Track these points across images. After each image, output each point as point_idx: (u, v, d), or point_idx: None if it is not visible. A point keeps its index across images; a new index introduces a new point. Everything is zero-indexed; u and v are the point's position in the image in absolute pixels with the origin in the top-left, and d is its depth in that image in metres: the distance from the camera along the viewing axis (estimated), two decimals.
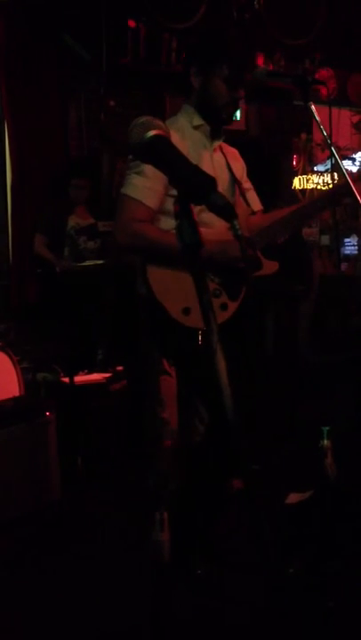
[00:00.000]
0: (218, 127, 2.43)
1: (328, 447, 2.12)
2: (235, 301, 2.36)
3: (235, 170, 2.51)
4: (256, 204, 2.61)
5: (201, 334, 2.16)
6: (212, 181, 1.16)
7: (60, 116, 5.12)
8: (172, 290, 2.21)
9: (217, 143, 2.46)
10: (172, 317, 2.23)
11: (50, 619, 2.36)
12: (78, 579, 2.62)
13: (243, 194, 2.52)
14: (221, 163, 2.47)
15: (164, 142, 1.24)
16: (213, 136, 2.43)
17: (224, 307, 2.33)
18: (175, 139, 2.30)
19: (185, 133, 2.36)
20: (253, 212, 2.54)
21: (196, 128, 2.39)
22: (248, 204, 2.51)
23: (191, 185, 1.15)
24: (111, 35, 5.09)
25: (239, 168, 2.57)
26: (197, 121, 2.39)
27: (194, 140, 2.37)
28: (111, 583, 2.55)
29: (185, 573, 2.39)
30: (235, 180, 2.50)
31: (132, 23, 5.17)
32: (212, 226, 2.17)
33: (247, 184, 2.60)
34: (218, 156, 2.47)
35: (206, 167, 2.35)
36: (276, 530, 2.43)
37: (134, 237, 2.27)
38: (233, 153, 2.57)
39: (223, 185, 2.46)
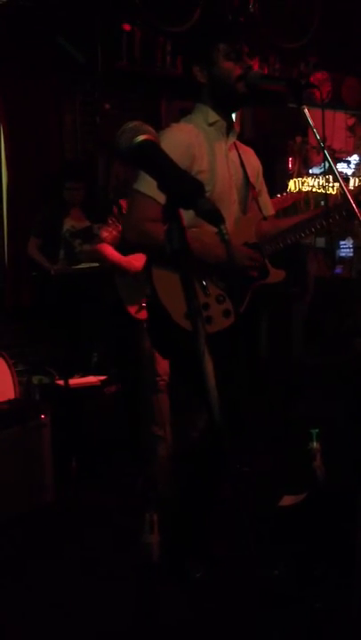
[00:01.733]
0: (231, 117, 2.41)
1: (317, 449, 2.12)
2: (238, 308, 2.35)
3: (248, 170, 2.49)
4: (268, 208, 2.58)
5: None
6: (199, 186, 1.17)
7: (55, 118, 5.13)
8: (176, 292, 2.19)
9: (232, 140, 2.45)
10: (174, 320, 2.23)
11: (43, 619, 2.36)
12: (71, 580, 2.62)
13: (255, 197, 2.49)
14: (236, 161, 2.46)
15: (152, 147, 1.25)
16: (228, 132, 2.43)
17: (227, 313, 2.31)
18: (193, 134, 2.31)
19: (201, 131, 2.35)
20: (265, 218, 2.51)
21: (211, 125, 2.38)
22: (260, 209, 2.49)
23: (179, 190, 1.16)
24: (106, 38, 5.10)
25: (254, 168, 2.55)
26: (213, 117, 2.38)
27: (209, 137, 2.37)
28: (104, 584, 2.55)
29: (180, 576, 2.40)
30: (248, 181, 2.48)
31: (127, 27, 5.17)
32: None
33: (261, 186, 2.57)
34: (233, 154, 2.46)
35: (221, 165, 2.37)
36: (264, 532, 2.44)
37: (145, 237, 2.23)
38: (248, 152, 2.56)
39: (237, 184, 2.45)
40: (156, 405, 3.35)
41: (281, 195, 2.89)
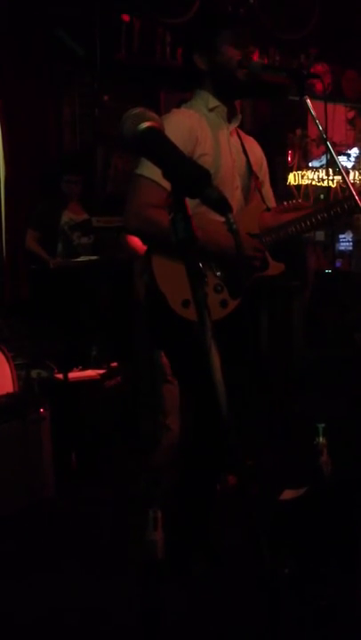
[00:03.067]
0: (234, 103, 2.38)
1: (323, 445, 2.10)
2: (235, 299, 2.32)
3: (252, 158, 2.45)
4: (271, 199, 2.54)
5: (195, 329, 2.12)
6: (206, 175, 1.14)
7: (53, 111, 5.09)
8: (175, 281, 2.16)
9: (233, 125, 2.41)
10: (172, 308, 2.20)
11: (43, 614, 2.34)
12: (72, 575, 2.61)
13: (258, 187, 2.46)
14: (238, 147, 2.42)
15: (157, 134, 1.22)
16: (230, 118, 2.39)
17: (224, 303, 2.29)
18: (195, 119, 2.28)
19: (202, 115, 2.32)
20: (268, 209, 2.47)
21: (211, 110, 2.35)
22: (263, 199, 2.45)
23: (185, 178, 1.13)
24: (105, 29, 5.05)
25: (258, 157, 2.51)
26: (213, 102, 2.35)
27: (211, 122, 2.33)
28: (105, 580, 2.54)
29: (181, 572, 2.38)
30: (251, 169, 2.45)
31: (126, 18, 5.14)
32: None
33: (265, 177, 2.53)
34: (234, 140, 2.42)
35: (224, 150, 2.34)
36: (270, 527, 2.42)
37: (147, 224, 2.19)
38: (251, 141, 2.52)
39: (240, 170, 2.41)
40: (166, 394, 3.34)
41: (288, 202, 2.84)
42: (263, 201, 2.45)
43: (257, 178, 2.46)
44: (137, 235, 2.33)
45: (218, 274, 2.30)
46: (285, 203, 2.64)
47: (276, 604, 1.09)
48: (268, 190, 2.55)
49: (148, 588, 1.63)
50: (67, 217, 4.76)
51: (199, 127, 2.28)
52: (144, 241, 2.39)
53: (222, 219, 1.13)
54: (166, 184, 2.14)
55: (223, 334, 1.17)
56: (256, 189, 2.45)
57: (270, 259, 2.40)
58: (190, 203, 1.14)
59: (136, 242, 3.40)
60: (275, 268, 2.42)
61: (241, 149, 2.43)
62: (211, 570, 2.44)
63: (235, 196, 2.38)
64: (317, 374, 4.54)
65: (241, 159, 2.42)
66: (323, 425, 2.08)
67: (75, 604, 2.40)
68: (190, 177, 1.14)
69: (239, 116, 2.43)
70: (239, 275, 2.26)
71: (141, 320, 3.07)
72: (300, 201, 2.86)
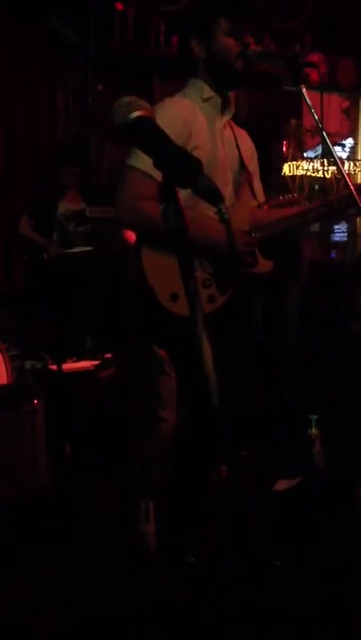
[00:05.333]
0: (228, 94, 2.35)
1: (316, 436, 2.10)
2: (223, 295, 2.30)
3: (243, 152, 2.42)
4: (260, 194, 2.51)
5: (185, 322, 2.11)
6: (197, 164, 1.13)
7: (47, 99, 5.06)
8: (164, 274, 2.15)
9: (227, 118, 2.38)
10: (159, 301, 2.19)
11: (38, 605, 2.35)
12: (65, 565, 2.61)
13: (249, 181, 2.43)
14: (231, 140, 2.39)
15: (148, 123, 1.20)
16: (223, 109, 2.36)
17: (212, 299, 2.27)
18: (189, 109, 2.24)
19: (196, 105, 2.28)
20: (259, 205, 2.45)
21: (205, 101, 2.31)
22: (253, 193, 2.43)
23: (176, 167, 1.12)
24: (99, 17, 5.01)
25: (249, 150, 2.48)
26: (208, 93, 2.31)
27: (205, 113, 2.30)
28: (97, 570, 2.54)
29: (174, 560, 2.38)
30: (243, 163, 2.42)
31: (119, 6, 5.10)
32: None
33: (255, 170, 2.50)
34: (228, 132, 2.39)
35: (216, 143, 2.31)
36: (263, 517, 2.42)
37: (139, 216, 2.16)
38: (242, 134, 2.49)
39: (232, 164, 2.39)
40: (163, 386, 3.34)
41: (282, 197, 2.81)
42: (254, 196, 2.43)
43: (248, 172, 2.44)
44: (128, 227, 2.30)
45: (207, 269, 2.29)
46: (281, 197, 2.63)
47: (269, 595, 1.09)
48: (257, 184, 2.52)
49: (140, 578, 1.63)
50: (63, 207, 4.74)
51: (193, 119, 2.25)
52: (138, 233, 2.37)
53: (213, 213, 1.12)
54: (158, 175, 2.11)
55: (212, 328, 1.16)
56: (247, 183, 2.43)
57: (259, 256, 2.39)
58: (181, 196, 1.13)
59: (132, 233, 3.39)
60: (264, 265, 2.40)
61: (234, 143, 2.40)
62: (203, 560, 2.44)
63: (226, 191, 2.35)
64: (311, 363, 4.54)
65: (233, 152, 2.40)
66: (316, 416, 2.08)
67: (68, 595, 2.40)
68: (181, 166, 1.13)
69: (232, 108, 2.40)
70: (230, 266, 2.24)
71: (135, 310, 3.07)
72: (295, 195, 2.83)
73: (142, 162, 2.09)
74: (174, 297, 2.16)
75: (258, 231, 2.35)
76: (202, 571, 2.39)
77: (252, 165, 2.50)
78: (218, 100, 2.33)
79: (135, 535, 1.63)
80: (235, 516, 1.11)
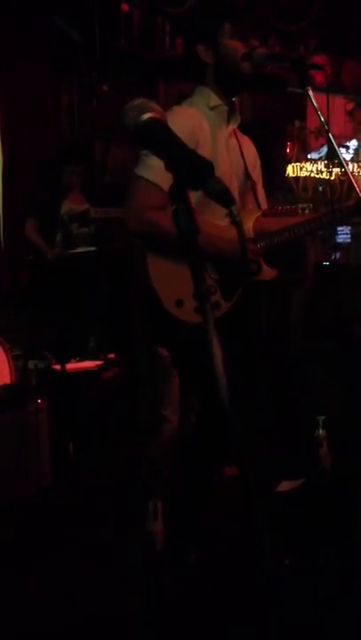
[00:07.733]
0: (234, 102, 2.36)
1: (324, 437, 2.10)
2: (228, 301, 2.32)
3: (248, 160, 2.44)
4: (263, 201, 2.52)
5: (188, 328, 2.12)
6: (209, 166, 1.13)
7: (51, 100, 5.07)
8: (170, 280, 2.16)
9: (233, 126, 2.38)
10: (164, 307, 2.20)
11: (42, 605, 2.35)
12: (70, 565, 2.61)
13: (253, 189, 2.44)
14: (236, 149, 2.40)
15: (159, 125, 1.21)
16: (230, 118, 2.37)
17: (217, 305, 2.28)
18: (196, 118, 2.26)
19: (203, 115, 2.29)
20: (263, 214, 2.45)
21: (212, 109, 2.32)
22: (257, 201, 2.44)
23: (188, 169, 1.12)
24: (104, 18, 5.02)
25: (253, 158, 2.49)
26: (215, 101, 2.32)
27: (211, 121, 2.31)
28: (103, 570, 2.54)
29: (178, 561, 2.39)
30: (247, 172, 2.43)
31: (125, 7, 5.11)
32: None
33: (258, 178, 2.51)
34: (233, 142, 2.40)
35: (222, 152, 2.31)
36: (270, 518, 2.42)
37: (148, 226, 2.17)
38: (246, 141, 2.50)
39: (238, 173, 2.40)
40: (165, 387, 3.34)
41: (282, 207, 2.81)
42: (257, 204, 2.44)
43: (252, 180, 2.45)
44: (137, 236, 2.30)
45: (212, 275, 2.29)
46: (280, 207, 2.64)
47: (277, 595, 1.09)
48: (261, 192, 2.53)
49: (147, 578, 1.63)
50: (67, 207, 4.74)
51: (200, 128, 2.25)
52: (147, 243, 2.37)
53: (220, 221, 1.12)
54: (166, 185, 2.14)
55: (221, 332, 1.16)
56: (251, 190, 2.44)
57: (263, 264, 2.39)
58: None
59: None
60: (267, 272, 2.41)
61: (239, 152, 2.41)
62: (209, 560, 2.44)
63: None
64: (316, 366, 4.54)
65: (238, 161, 2.41)
66: (323, 417, 2.08)
67: (73, 595, 2.40)
68: (193, 168, 1.13)
69: (238, 117, 2.41)
70: (240, 270, 2.24)
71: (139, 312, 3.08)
72: (293, 207, 2.84)
73: (150, 171, 2.11)
74: (179, 303, 2.17)
75: (262, 240, 2.36)
76: (206, 571, 2.40)
77: (256, 173, 2.51)
78: (224, 108, 2.34)
79: (143, 534, 1.63)
80: (241, 515, 1.11)
